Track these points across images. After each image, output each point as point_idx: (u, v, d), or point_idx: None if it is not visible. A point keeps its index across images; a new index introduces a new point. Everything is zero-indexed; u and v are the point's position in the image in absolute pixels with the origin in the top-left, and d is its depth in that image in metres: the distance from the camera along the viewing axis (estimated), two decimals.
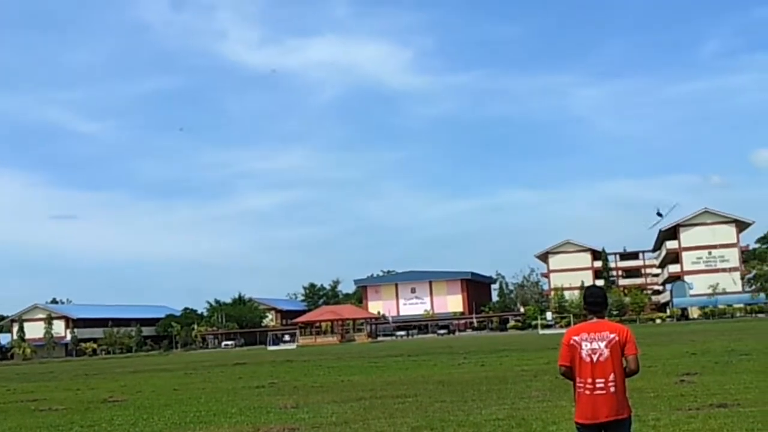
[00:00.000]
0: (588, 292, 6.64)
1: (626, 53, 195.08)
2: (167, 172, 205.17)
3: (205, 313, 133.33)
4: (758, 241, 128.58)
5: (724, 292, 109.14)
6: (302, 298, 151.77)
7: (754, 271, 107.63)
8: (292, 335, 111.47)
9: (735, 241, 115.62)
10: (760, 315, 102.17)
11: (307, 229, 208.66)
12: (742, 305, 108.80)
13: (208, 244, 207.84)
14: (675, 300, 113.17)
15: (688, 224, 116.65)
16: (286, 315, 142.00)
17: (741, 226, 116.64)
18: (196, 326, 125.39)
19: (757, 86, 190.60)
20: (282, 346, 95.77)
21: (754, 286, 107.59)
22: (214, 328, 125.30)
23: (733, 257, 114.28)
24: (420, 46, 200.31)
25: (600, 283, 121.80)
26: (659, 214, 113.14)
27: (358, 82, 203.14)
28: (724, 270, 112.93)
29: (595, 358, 6.26)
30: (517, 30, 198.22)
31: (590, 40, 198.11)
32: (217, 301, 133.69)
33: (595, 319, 6.47)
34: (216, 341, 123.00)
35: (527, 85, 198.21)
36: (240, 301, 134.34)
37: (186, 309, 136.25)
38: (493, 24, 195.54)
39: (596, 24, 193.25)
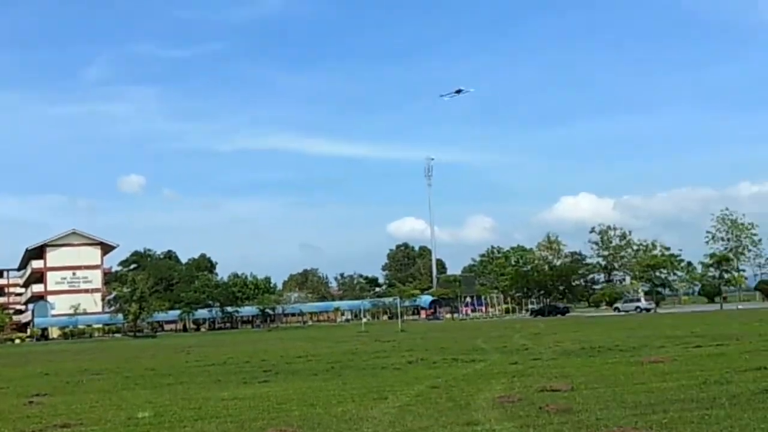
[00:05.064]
0: None
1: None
2: None
3: None
4: (120, 263, 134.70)
5: (85, 313, 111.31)
6: None
7: (114, 293, 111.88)
8: None
9: (99, 262, 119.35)
10: (117, 335, 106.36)
11: None
12: (101, 325, 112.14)
13: None
14: (36, 320, 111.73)
15: (55, 244, 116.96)
16: None
17: (106, 248, 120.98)
18: None
19: (132, 116, 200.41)
20: None
21: (113, 307, 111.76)
22: None
23: (96, 278, 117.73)
24: None
25: None
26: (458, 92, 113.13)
27: None
28: (86, 291, 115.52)
29: None
30: None
31: None
32: None
33: None
34: None
35: None
36: None
37: None
38: None
39: None
